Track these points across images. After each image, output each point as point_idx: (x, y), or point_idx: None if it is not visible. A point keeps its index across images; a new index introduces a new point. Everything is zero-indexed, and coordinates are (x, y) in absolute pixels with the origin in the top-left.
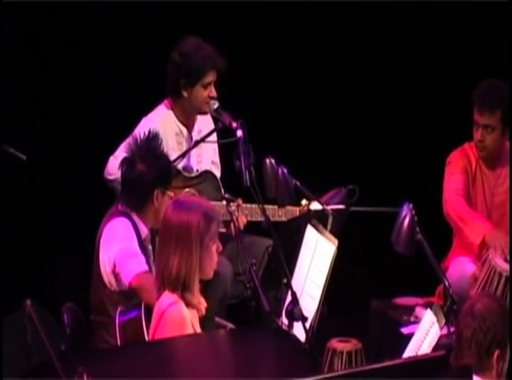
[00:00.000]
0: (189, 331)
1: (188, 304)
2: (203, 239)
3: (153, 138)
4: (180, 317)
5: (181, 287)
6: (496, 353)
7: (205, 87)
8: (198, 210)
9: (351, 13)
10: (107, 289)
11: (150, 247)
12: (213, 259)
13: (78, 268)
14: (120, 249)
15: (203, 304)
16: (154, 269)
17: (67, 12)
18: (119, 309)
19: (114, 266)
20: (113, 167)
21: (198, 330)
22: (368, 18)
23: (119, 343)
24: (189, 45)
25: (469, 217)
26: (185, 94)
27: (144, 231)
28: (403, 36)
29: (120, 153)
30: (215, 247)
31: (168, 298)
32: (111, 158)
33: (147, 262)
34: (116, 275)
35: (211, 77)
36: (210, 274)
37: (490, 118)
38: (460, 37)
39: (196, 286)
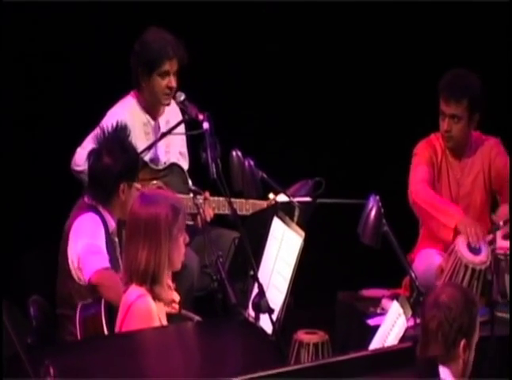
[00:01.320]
0: (156, 324)
1: (157, 297)
2: (171, 231)
3: (121, 130)
4: (147, 309)
5: (151, 280)
6: (462, 342)
7: (162, 76)
8: (165, 203)
9: (321, 9)
10: (76, 283)
11: (116, 239)
12: (181, 250)
13: (44, 261)
14: (84, 245)
15: (176, 299)
16: (120, 262)
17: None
18: (80, 304)
19: (79, 262)
20: (81, 158)
21: (165, 323)
22: (340, 13)
23: (79, 338)
24: (149, 35)
25: (439, 203)
26: (143, 84)
27: (112, 224)
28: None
29: (88, 144)
30: (182, 238)
31: (135, 290)
32: (78, 150)
33: (113, 255)
34: (80, 270)
35: (167, 66)
36: (178, 266)
37: (456, 108)
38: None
39: (166, 279)
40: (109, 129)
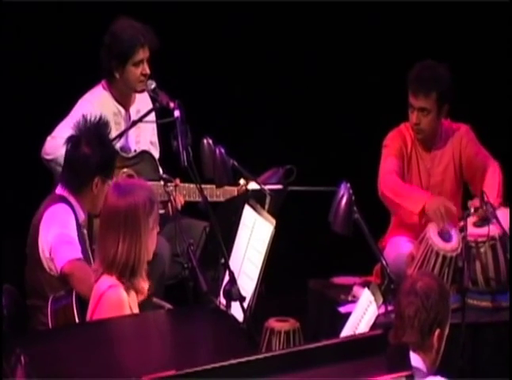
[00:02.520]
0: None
1: (133, 288)
2: (149, 221)
3: (103, 125)
4: (118, 300)
5: (130, 272)
6: (437, 332)
7: (137, 65)
8: (142, 192)
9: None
10: (46, 273)
11: (85, 231)
12: (154, 242)
13: (16, 250)
14: (56, 235)
15: (145, 286)
16: (90, 254)
17: None
18: (51, 297)
19: (51, 251)
20: (51, 147)
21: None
22: (309, 8)
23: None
24: (118, 26)
25: (406, 190)
26: (117, 75)
27: (82, 216)
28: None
29: (58, 133)
30: (156, 230)
31: (107, 280)
32: (48, 138)
33: (83, 247)
34: (52, 260)
35: (141, 54)
36: (150, 256)
37: (425, 101)
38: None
39: (145, 269)
40: (91, 119)
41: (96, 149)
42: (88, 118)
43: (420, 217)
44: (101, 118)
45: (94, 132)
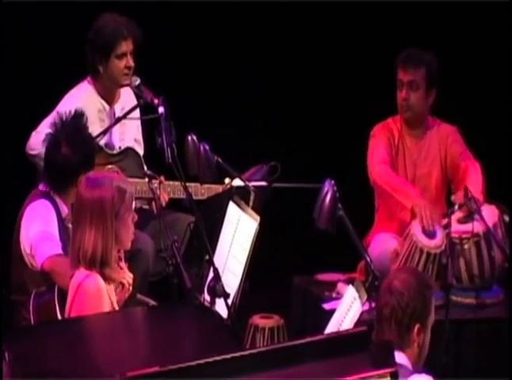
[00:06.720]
0: (106, 302)
1: (108, 279)
2: (118, 212)
3: (78, 117)
4: (96, 288)
5: (99, 264)
6: (416, 327)
7: (120, 58)
8: (110, 185)
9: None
10: (29, 269)
11: (70, 225)
12: (130, 230)
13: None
14: (37, 232)
15: (129, 279)
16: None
17: None
18: (34, 292)
19: (31, 248)
20: (36, 142)
21: (115, 302)
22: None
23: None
24: (101, 20)
25: (399, 183)
26: (101, 69)
27: (65, 211)
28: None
29: (43, 128)
30: (130, 218)
31: (83, 271)
32: (33, 133)
33: (67, 241)
34: (33, 256)
35: (124, 46)
36: (128, 245)
37: (414, 74)
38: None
39: (114, 260)
40: (67, 116)
41: (76, 148)
42: (63, 116)
43: (412, 213)
44: (75, 111)
45: (72, 129)
